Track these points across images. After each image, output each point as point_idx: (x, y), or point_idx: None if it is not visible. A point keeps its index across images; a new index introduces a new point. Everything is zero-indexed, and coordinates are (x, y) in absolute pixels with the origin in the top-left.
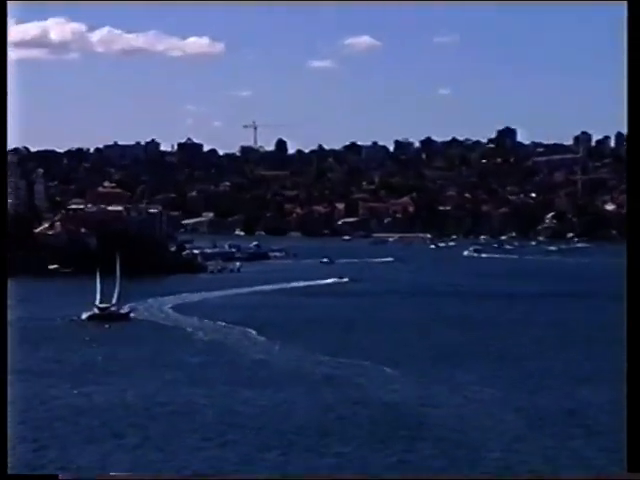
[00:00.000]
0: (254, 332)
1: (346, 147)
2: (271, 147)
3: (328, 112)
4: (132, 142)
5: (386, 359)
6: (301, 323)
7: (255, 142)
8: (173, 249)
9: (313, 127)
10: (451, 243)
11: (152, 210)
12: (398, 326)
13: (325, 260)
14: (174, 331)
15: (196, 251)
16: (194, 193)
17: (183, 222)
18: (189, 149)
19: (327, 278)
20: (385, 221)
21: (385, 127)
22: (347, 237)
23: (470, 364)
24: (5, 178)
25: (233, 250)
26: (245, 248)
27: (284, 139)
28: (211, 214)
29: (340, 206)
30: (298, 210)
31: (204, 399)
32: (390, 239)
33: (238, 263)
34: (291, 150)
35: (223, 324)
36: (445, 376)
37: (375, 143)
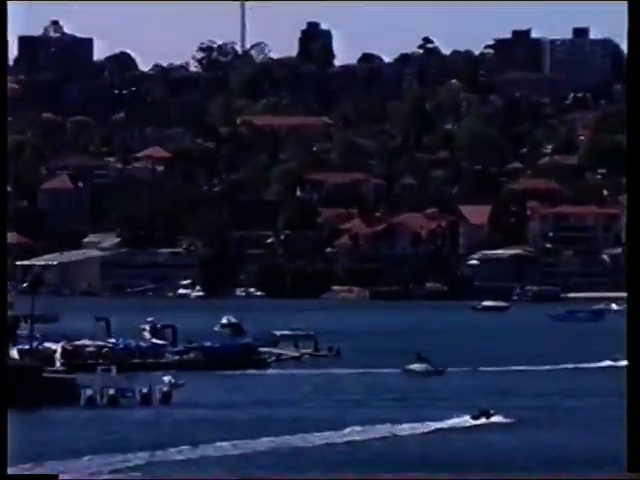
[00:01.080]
0: None
1: (493, 46)
2: (286, 51)
3: None
4: None
5: None
6: None
7: (242, 40)
8: None
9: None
10: None
11: None
12: None
13: (418, 367)
14: None
15: (54, 346)
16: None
17: (25, 262)
18: (62, 58)
19: (440, 417)
20: (603, 256)
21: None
22: (491, 303)
23: None
24: (5, 169)
25: (163, 342)
26: (195, 334)
27: (324, 26)
28: (112, 239)
29: (474, 214)
30: (356, 224)
31: None
32: (614, 306)
33: (167, 378)
34: (342, 59)
35: None
36: None
37: (569, 42)
